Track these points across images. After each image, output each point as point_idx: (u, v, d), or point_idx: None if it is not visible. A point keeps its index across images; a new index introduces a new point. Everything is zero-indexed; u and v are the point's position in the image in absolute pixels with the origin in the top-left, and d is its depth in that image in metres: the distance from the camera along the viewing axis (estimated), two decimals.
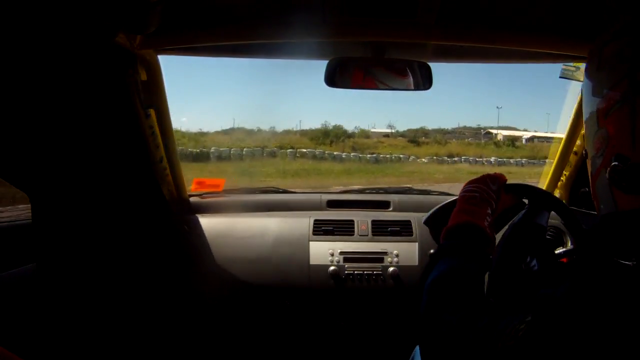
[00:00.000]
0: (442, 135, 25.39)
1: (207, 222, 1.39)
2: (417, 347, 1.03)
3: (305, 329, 1.36)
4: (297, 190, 1.88)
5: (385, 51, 1.12)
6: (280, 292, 1.31)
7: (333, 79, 1.13)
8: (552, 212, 1.21)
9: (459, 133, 27.09)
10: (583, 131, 0.59)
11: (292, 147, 18.40)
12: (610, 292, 0.42)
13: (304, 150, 18.50)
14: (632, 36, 0.46)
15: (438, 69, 1.16)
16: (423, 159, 20.21)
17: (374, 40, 1.10)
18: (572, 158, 1.38)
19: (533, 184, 1.21)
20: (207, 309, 1.35)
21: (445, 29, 1.03)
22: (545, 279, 1.00)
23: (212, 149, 16.70)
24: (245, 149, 17.45)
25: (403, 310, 1.34)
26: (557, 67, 1.26)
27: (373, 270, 1.29)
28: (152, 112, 1.18)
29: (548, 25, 1.03)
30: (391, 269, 1.29)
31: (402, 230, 1.35)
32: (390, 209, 1.51)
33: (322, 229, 1.35)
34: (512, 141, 25.02)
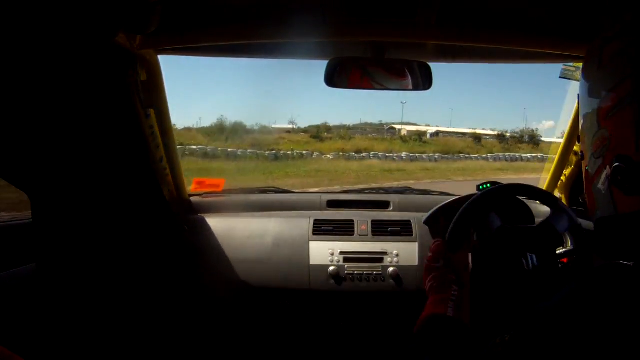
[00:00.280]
0: (346, 131, 24.81)
1: (207, 222, 1.39)
2: None
3: (305, 329, 1.36)
4: (297, 190, 1.88)
5: (386, 51, 1.13)
6: (280, 292, 1.31)
7: (332, 79, 1.13)
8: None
9: (361, 129, 26.70)
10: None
11: (181, 144, 15.25)
12: (611, 298, 0.42)
13: (194, 147, 16.62)
14: (635, 35, 0.45)
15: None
16: (328, 155, 19.20)
17: (374, 40, 1.10)
18: (572, 158, 1.38)
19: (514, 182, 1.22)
20: (207, 309, 1.35)
21: (445, 29, 1.03)
22: (544, 278, 1.00)
23: None
24: None
25: (403, 310, 1.33)
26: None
27: (373, 271, 1.29)
28: (152, 112, 1.18)
29: (548, 25, 1.03)
30: (391, 269, 1.29)
31: (402, 230, 1.35)
32: (390, 209, 1.51)
33: (322, 229, 1.35)
34: (419, 136, 25.01)
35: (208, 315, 1.35)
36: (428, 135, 25.98)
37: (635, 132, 0.44)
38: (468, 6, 0.99)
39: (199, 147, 17.04)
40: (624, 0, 0.77)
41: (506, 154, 24.05)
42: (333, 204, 1.51)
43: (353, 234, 1.35)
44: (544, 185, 1.50)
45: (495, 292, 0.97)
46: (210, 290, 1.32)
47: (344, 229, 1.36)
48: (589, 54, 0.51)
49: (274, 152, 18.54)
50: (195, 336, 1.37)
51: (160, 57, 1.17)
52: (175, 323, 1.34)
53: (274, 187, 1.68)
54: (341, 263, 1.30)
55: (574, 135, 1.31)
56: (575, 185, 1.42)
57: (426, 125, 28.36)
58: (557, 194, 1.48)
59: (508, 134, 28.13)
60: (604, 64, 0.48)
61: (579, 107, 0.55)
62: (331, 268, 1.29)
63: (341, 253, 1.31)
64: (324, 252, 1.31)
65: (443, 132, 27.32)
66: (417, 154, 21.19)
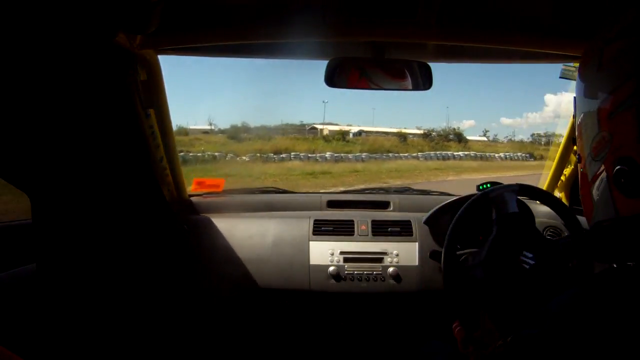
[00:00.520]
0: (266, 132, 23.37)
1: (207, 222, 1.39)
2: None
3: (305, 329, 1.36)
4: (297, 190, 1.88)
5: (386, 51, 1.13)
6: (280, 292, 1.31)
7: (332, 79, 1.13)
8: (552, 212, 1.21)
9: (282, 130, 25.92)
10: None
11: None
12: (616, 301, 0.41)
13: None
14: (638, 36, 0.45)
15: None
16: (244, 157, 17.79)
17: (374, 40, 1.10)
18: (572, 158, 1.38)
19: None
20: (207, 309, 1.35)
21: (445, 29, 1.03)
22: (543, 278, 1.00)
23: None
24: None
25: (403, 310, 1.34)
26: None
27: (373, 270, 1.29)
28: (152, 112, 1.18)
29: (548, 25, 1.03)
30: (391, 269, 1.29)
31: (402, 230, 1.35)
32: (390, 209, 1.51)
33: (322, 229, 1.35)
34: (343, 135, 24.24)
35: (209, 315, 1.35)
36: (351, 135, 25.29)
37: (639, 134, 0.43)
38: (468, 6, 0.99)
39: None
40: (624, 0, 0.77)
41: (437, 152, 23.43)
42: (333, 204, 1.51)
43: (353, 234, 1.35)
44: (544, 185, 1.50)
45: (500, 290, 0.98)
46: (211, 290, 1.32)
47: (344, 229, 1.36)
48: (588, 55, 0.50)
49: (182, 154, 16.68)
50: (195, 336, 1.37)
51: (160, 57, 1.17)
52: (175, 323, 1.34)
53: (274, 187, 1.68)
54: (341, 263, 1.30)
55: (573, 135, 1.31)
56: (575, 185, 1.42)
57: (348, 125, 27.45)
58: (557, 193, 1.48)
59: (434, 133, 27.73)
60: (604, 65, 0.47)
61: (574, 109, 0.54)
62: (331, 268, 1.29)
63: (341, 253, 1.31)
64: (324, 252, 1.31)
65: (366, 132, 26.60)
66: (342, 154, 19.70)
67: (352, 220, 1.37)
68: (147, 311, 1.30)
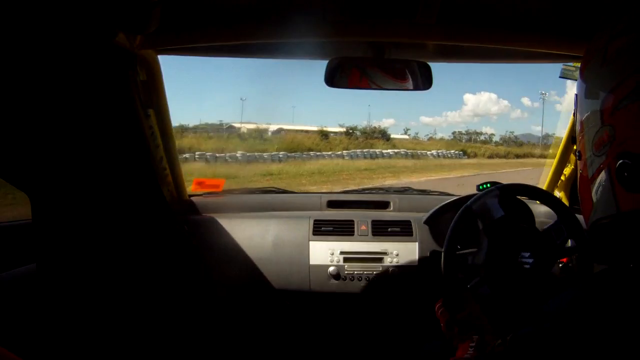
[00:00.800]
0: (182, 132, 22.07)
1: (207, 223, 1.39)
2: None
3: (305, 329, 1.36)
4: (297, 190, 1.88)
5: (386, 51, 1.13)
6: (280, 292, 1.31)
7: (332, 79, 1.13)
8: (551, 211, 1.21)
9: (202, 129, 25.46)
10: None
11: None
12: (617, 302, 0.41)
13: None
14: None
15: None
16: None
17: (374, 40, 1.10)
18: (572, 158, 1.38)
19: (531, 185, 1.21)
20: (207, 309, 1.35)
21: (445, 29, 1.03)
22: (541, 278, 1.00)
23: None
24: None
25: (403, 310, 1.34)
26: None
27: (373, 270, 1.29)
28: (151, 112, 1.18)
29: (548, 25, 1.03)
30: (391, 269, 1.29)
31: (402, 230, 1.35)
32: (390, 209, 1.51)
33: (322, 229, 1.35)
34: (260, 133, 23.41)
35: (209, 315, 1.35)
36: (270, 133, 24.53)
37: None
38: (468, 6, 0.99)
39: None
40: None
41: (364, 150, 21.91)
42: (333, 204, 1.51)
43: (353, 234, 1.35)
44: (544, 185, 1.51)
45: (490, 285, 0.98)
46: (211, 290, 1.32)
47: (344, 229, 1.36)
48: (591, 52, 0.50)
49: None
50: (195, 336, 1.37)
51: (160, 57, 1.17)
52: (175, 323, 1.34)
53: (274, 187, 1.68)
54: (341, 263, 1.30)
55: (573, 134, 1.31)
56: (575, 185, 1.42)
57: (267, 124, 26.50)
58: (557, 193, 1.48)
59: (357, 131, 26.97)
60: (608, 60, 0.47)
61: (575, 107, 0.54)
62: (331, 268, 1.29)
63: (341, 253, 1.31)
64: (324, 252, 1.31)
65: (286, 130, 25.79)
66: (256, 153, 17.68)
67: (352, 220, 1.37)
68: (147, 311, 1.30)
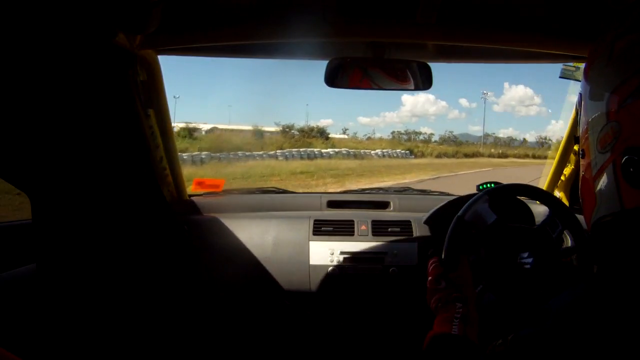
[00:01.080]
0: None
1: (207, 223, 1.39)
2: None
3: (305, 329, 1.36)
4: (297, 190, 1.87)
5: (385, 51, 1.13)
6: (280, 292, 1.31)
7: (333, 79, 1.13)
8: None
9: None
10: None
11: None
12: (621, 300, 0.41)
13: None
14: None
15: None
16: None
17: (374, 40, 1.10)
18: (572, 158, 1.38)
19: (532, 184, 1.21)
20: (207, 309, 1.35)
21: (445, 29, 1.03)
22: (541, 278, 1.00)
23: None
24: None
25: (403, 310, 1.34)
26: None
27: (373, 271, 1.29)
28: (151, 112, 1.18)
29: (548, 25, 1.03)
30: (391, 269, 1.29)
31: (402, 230, 1.35)
32: (390, 209, 1.51)
33: (322, 229, 1.35)
34: (190, 132, 22.43)
35: (209, 315, 1.35)
36: (203, 132, 23.73)
37: None
38: (468, 6, 0.99)
39: None
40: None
41: (301, 150, 19.96)
42: (333, 204, 1.51)
43: (353, 234, 1.35)
44: (544, 185, 1.51)
45: (490, 287, 0.97)
46: (211, 290, 1.32)
47: (344, 229, 1.36)
48: (596, 51, 0.50)
49: None
50: (195, 336, 1.37)
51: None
52: (175, 323, 1.34)
53: (274, 188, 1.68)
54: (341, 263, 1.30)
55: (574, 134, 1.31)
56: (575, 185, 1.42)
57: (203, 123, 25.80)
58: (557, 193, 1.48)
59: (294, 130, 26.00)
60: (614, 57, 0.47)
61: (578, 107, 0.54)
62: (331, 268, 1.29)
63: (341, 253, 1.31)
64: (324, 252, 1.31)
65: (220, 129, 25.26)
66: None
67: (352, 221, 1.37)
68: (147, 311, 1.30)
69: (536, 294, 0.96)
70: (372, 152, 24.17)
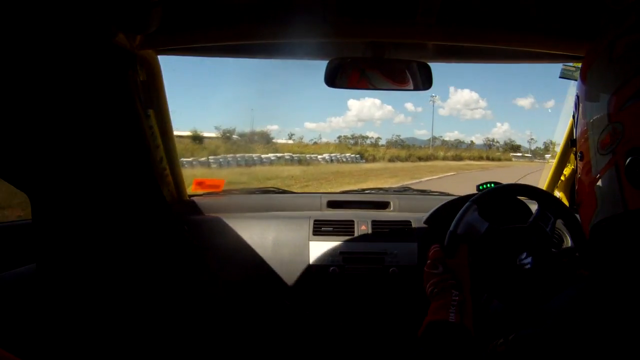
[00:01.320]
0: None
1: (207, 223, 1.39)
2: None
3: (305, 329, 1.36)
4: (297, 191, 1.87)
5: (385, 51, 1.13)
6: (280, 292, 1.31)
7: (333, 79, 1.13)
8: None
9: None
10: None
11: None
12: (621, 300, 0.41)
13: None
14: None
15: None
16: None
17: (374, 40, 1.10)
18: (572, 158, 1.38)
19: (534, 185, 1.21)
20: (207, 310, 1.35)
21: (445, 29, 1.03)
22: (542, 278, 1.00)
23: None
24: None
25: (403, 310, 1.33)
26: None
27: (373, 271, 1.29)
28: (151, 112, 1.18)
29: (548, 25, 1.03)
30: (391, 269, 1.29)
31: (402, 230, 1.35)
32: (390, 209, 1.51)
33: (322, 230, 1.35)
34: None
35: (209, 315, 1.35)
36: None
37: None
38: (468, 6, 0.99)
39: None
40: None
41: (238, 155, 18.41)
42: (333, 204, 1.51)
43: (353, 234, 1.35)
44: (544, 185, 1.51)
45: (493, 293, 0.97)
46: (211, 291, 1.32)
47: (344, 229, 1.36)
48: (595, 52, 0.50)
49: None
50: (195, 336, 1.37)
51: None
52: (175, 323, 1.34)
53: (274, 188, 1.68)
54: (341, 263, 1.30)
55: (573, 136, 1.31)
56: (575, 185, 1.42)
57: None
58: (557, 193, 1.48)
59: (235, 136, 25.19)
60: (615, 58, 0.47)
61: (574, 109, 0.54)
62: (331, 268, 1.29)
63: (341, 253, 1.31)
64: (324, 252, 1.31)
65: None
66: None
67: (352, 221, 1.37)
68: (147, 311, 1.30)
69: (537, 294, 0.96)
70: (319, 156, 22.51)
